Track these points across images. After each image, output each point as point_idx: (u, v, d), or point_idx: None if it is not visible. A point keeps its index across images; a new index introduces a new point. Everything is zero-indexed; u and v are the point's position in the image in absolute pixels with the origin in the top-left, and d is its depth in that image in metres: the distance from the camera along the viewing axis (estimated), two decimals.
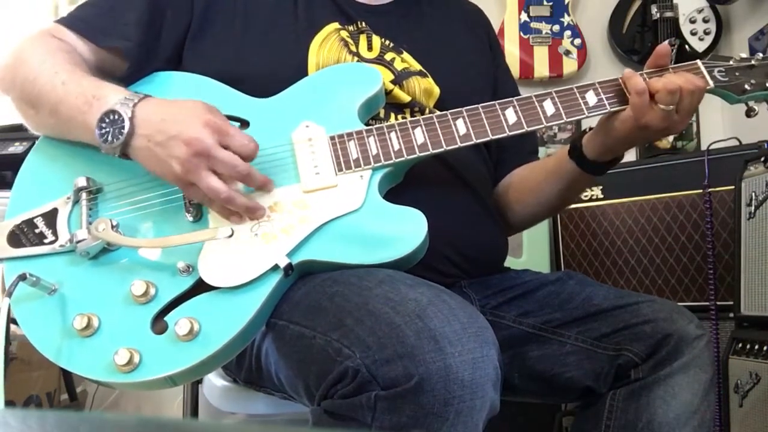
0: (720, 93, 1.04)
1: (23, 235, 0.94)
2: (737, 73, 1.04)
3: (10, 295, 0.88)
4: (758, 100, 1.05)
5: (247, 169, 0.89)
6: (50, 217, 0.95)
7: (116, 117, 0.89)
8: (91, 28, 1.05)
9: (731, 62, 1.05)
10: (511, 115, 1.00)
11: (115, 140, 0.89)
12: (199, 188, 0.88)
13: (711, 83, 1.02)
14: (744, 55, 1.06)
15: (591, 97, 1.01)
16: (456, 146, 0.98)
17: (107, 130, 0.89)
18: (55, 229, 0.94)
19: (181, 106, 0.91)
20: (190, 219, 0.93)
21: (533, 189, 1.22)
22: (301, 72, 1.06)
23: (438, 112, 1.04)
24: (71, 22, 1.06)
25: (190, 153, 0.86)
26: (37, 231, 0.94)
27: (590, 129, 1.10)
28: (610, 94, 1.01)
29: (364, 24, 1.15)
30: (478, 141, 0.99)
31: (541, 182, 1.21)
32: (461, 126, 0.99)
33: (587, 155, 1.10)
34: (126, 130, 0.88)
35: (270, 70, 1.06)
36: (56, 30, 1.06)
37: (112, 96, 0.92)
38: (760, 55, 1.06)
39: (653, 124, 0.99)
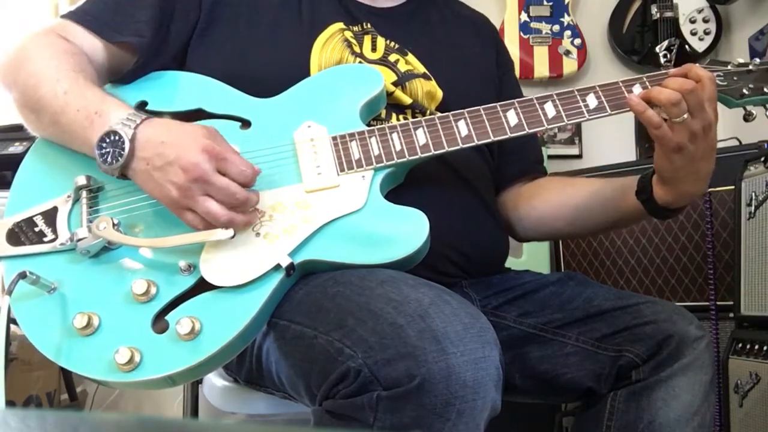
0: (719, 97, 1.05)
1: (22, 233, 0.93)
2: (735, 78, 1.05)
3: (10, 293, 0.87)
4: (756, 104, 1.06)
5: (244, 196, 0.87)
6: (50, 215, 0.94)
7: (117, 138, 0.88)
8: (101, 24, 1.03)
9: (729, 67, 1.06)
10: (512, 117, 1.00)
11: (114, 161, 0.88)
12: (196, 213, 0.87)
13: None
14: (741, 60, 1.06)
15: (592, 101, 1.01)
16: (457, 147, 0.98)
17: (107, 150, 0.88)
18: (55, 227, 0.93)
19: (181, 130, 0.89)
20: None
21: (579, 210, 1.17)
22: (303, 72, 1.06)
23: (440, 114, 1.04)
24: (80, 17, 1.04)
25: (187, 179, 0.85)
26: (36, 229, 0.93)
27: (652, 173, 1.05)
28: (611, 98, 1.01)
29: (369, 25, 1.15)
30: (480, 142, 0.99)
31: (593, 207, 1.15)
32: (463, 127, 0.99)
33: (660, 202, 1.04)
34: (126, 152, 0.87)
35: (272, 69, 1.06)
36: (62, 27, 1.03)
37: (114, 114, 0.90)
38: (758, 60, 1.07)
39: (683, 141, 0.96)
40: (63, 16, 1.06)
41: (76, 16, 1.04)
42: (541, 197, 1.22)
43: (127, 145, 0.87)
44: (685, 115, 0.95)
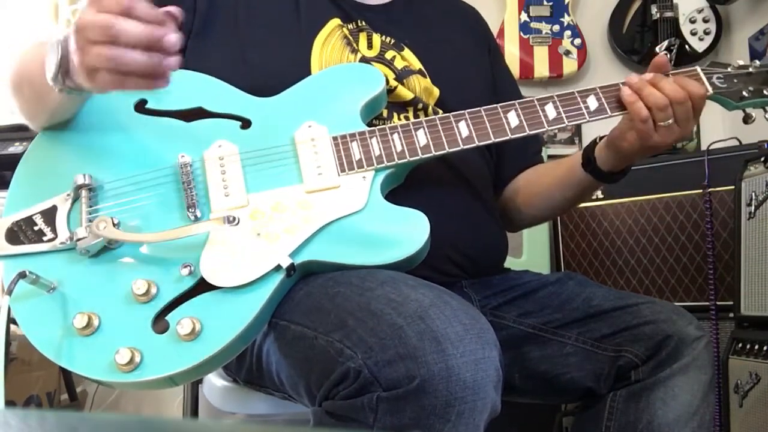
0: (718, 99, 1.05)
1: (22, 232, 0.93)
2: (735, 80, 1.05)
3: (10, 293, 0.87)
4: (756, 106, 1.06)
5: (111, 22, 0.77)
6: (49, 214, 0.94)
7: (50, 47, 0.85)
8: None
9: (729, 69, 1.06)
10: (513, 119, 1.00)
11: (54, 67, 0.84)
12: (94, 60, 0.80)
13: (710, 90, 1.03)
14: (742, 63, 1.07)
15: (592, 102, 1.02)
16: (458, 148, 0.98)
17: (49, 63, 0.85)
18: (55, 226, 0.93)
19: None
20: (191, 218, 0.93)
21: (543, 193, 1.23)
22: (304, 71, 1.06)
23: (441, 113, 1.04)
24: None
25: (79, 36, 0.80)
26: (36, 228, 0.93)
27: (600, 138, 1.11)
28: (611, 100, 1.02)
29: (363, 22, 1.15)
30: (481, 144, 0.99)
31: (552, 188, 1.21)
32: (464, 128, 0.99)
33: (602, 168, 1.11)
34: (59, 54, 0.84)
35: (273, 69, 1.06)
36: None
37: (54, 37, 0.86)
38: (758, 62, 1.07)
39: (660, 141, 1.00)
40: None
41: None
42: (520, 192, 1.27)
43: (58, 49, 0.84)
44: (670, 121, 0.98)
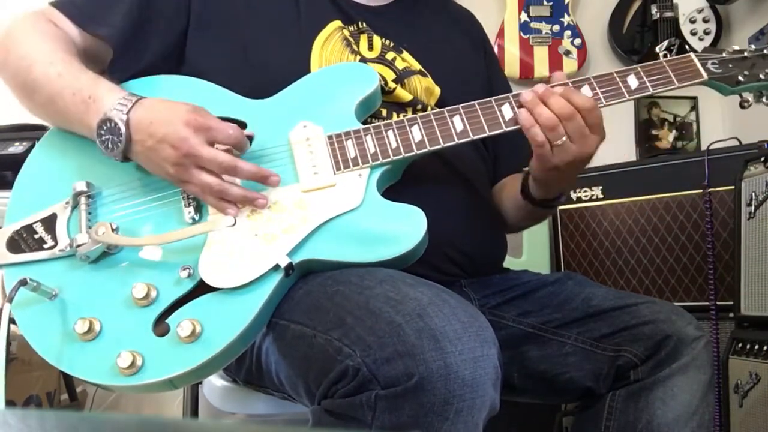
0: (714, 85, 1.04)
1: (22, 240, 0.94)
2: (730, 65, 1.04)
3: (11, 300, 0.88)
4: (752, 90, 1.05)
5: (231, 162, 0.90)
6: (49, 222, 0.95)
7: (113, 125, 0.91)
8: (82, 14, 1.06)
9: (724, 54, 1.05)
10: (507, 111, 1.00)
11: (115, 147, 0.92)
12: (194, 184, 0.91)
13: (705, 75, 1.02)
14: (737, 47, 1.06)
15: (587, 92, 1.01)
16: (453, 143, 0.98)
17: (107, 137, 0.92)
18: (55, 234, 0.94)
19: (166, 107, 0.93)
20: (189, 221, 0.93)
21: (508, 209, 1.24)
22: (304, 71, 1.06)
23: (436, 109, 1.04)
24: (64, 6, 1.07)
25: (178, 155, 0.89)
26: (36, 236, 0.94)
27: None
28: (605, 89, 1.01)
29: (364, 24, 1.15)
30: (475, 137, 0.99)
31: (511, 209, 1.22)
32: (458, 123, 0.99)
33: (535, 196, 1.12)
34: (123, 138, 0.91)
35: (273, 68, 1.06)
36: (50, 12, 1.06)
37: (107, 99, 0.93)
38: (753, 46, 1.05)
39: (559, 162, 0.97)
40: (51, 4, 1.08)
41: (61, 6, 1.07)
42: (500, 195, 1.27)
43: (123, 132, 0.91)
44: (563, 139, 0.95)
